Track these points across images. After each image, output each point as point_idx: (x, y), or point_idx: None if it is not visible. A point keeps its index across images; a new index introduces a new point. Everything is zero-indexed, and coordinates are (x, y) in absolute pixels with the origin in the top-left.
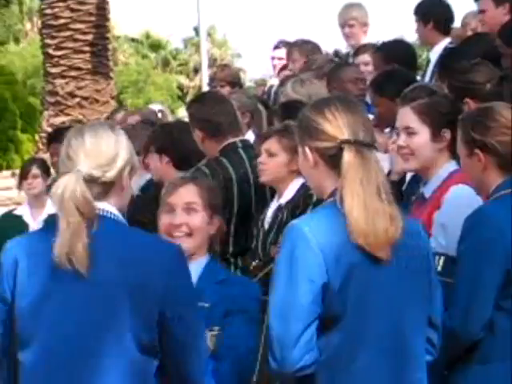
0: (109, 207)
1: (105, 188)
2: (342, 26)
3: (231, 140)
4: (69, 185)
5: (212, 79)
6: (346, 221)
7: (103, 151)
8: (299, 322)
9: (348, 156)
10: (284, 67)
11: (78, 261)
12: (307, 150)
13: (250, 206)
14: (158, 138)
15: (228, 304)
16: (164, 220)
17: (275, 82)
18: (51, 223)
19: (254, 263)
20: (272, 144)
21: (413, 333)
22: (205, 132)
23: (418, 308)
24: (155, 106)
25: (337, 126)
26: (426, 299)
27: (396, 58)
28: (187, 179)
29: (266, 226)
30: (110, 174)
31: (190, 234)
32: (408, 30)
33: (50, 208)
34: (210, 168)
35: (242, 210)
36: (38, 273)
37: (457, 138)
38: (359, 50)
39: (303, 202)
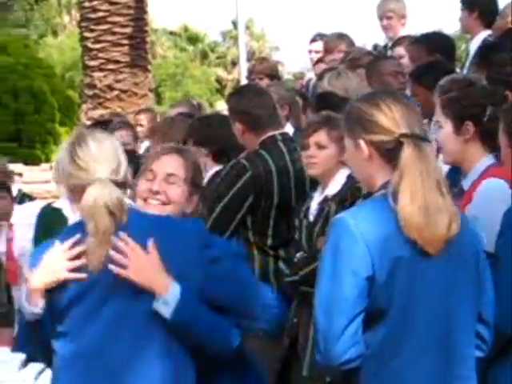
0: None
1: (121, 188)
2: (381, 18)
3: (271, 133)
4: (103, 193)
5: (250, 72)
6: (399, 215)
7: (111, 156)
8: (343, 315)
9: (407, 150)
10: (319, 60)
11: (93, 263)
12: (362, 142)
13: (290, 198)
14: (196, 130)
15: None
16: (142, 186)
17: (313, 75)
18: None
19: (298, 255)
20: (321, 136)
21: (461, 328)
22: (245, 125)
23: (467, 304)
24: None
25: (393, 119)
26: (475, 295)
27: (437, 49)
28: (173, 149)
29: (311, 217)
30: (121, 176)
31: (165, 204)
32: (445, 23)
33: None
34: (249, 160)
35: (281, 203)
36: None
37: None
38: (395, 43)
39: (351, 194)
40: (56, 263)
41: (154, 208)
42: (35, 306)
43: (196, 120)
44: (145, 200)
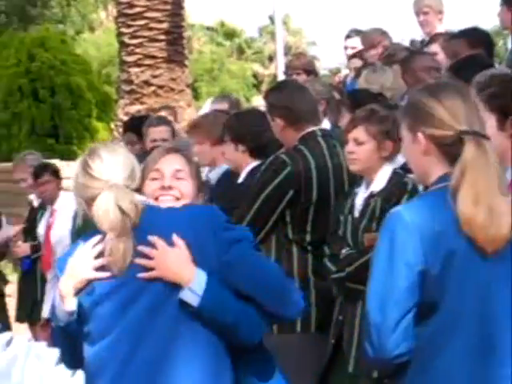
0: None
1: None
2: (417, 13)
3: (311, 129)
4: (116, 196)
5: (288, 67)
6: (460, 214)
7: (124, 165)
8: (397, 308)
9: (469, 148)
10: (353, 55)
11: (116, 264)
12: (420, 135)
13: (329, 194)
14: (232, 127)
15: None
16: (151, 186)
17: (348, 70)
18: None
19: (344, 251)
20: (359, 132)
21: (507, 328)
22: (285, 120)
23: None
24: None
25: (454, 115)
26: None
27: (476, 44)
28: (172, 149)
29: (356, 213)
30: (135, 183)
31: (178, 199)
32: (482, 19)
33: None
34: (289, 156)
35: (320, 199)
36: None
37: None
38: (430, 40)
39: (398, 190)
40: (81, 264)
41: (168, 204)
42: (69, 309)
43: (232, 116)
44: (156, 199)
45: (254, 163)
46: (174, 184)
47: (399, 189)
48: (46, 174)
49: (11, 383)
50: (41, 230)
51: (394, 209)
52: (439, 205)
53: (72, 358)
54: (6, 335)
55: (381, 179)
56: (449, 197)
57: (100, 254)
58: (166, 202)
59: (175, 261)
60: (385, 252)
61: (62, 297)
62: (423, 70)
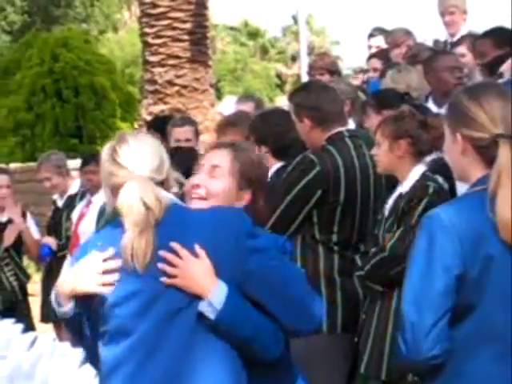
0: (170, 195)
1: (162, 187)
2: (443, 13)
3: (338, 129)
4: (140, 189)
5: (311, 68)
6: (497, 216)
7: (152, 155)
8: (434, 310)
9: (504, 152)
10: (373, 55)
11: (137, 259)
12: (459, 136)
13: (356, 195)
14: (255, 128)
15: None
16: (189, 182)
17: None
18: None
19: (372, 249)
20: (377, 134)
21: None
22: (313, 120)
23: None
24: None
25: (492, 118)
26: None
27: (504, 43)
28: (224, 144)
29: (386, 213)
30: (162, 176)
31: (205, 199)
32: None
33: None
34: (317, 156)
35: (347, 199)
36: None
37: None
38: (456, 43)
39: (420, 192)
40: (86, 274)
41: (194, 203)
42: (64, 306)
43: (257, 117)
44: (188, 195)
45: (278, 164)
46: (204, 182)
47: (421, 191)
48: (92, 163)
49: (35, 383)
50: (74, 216)
51: (432, 210)
52: (478, 207)
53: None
54: (30, 335)
55: (410, 181)
56: (488, 203)
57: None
58: (193, 201)
59: (198, 272)
60: (423, 253)
61: (58, 292)
62: (446, 70)
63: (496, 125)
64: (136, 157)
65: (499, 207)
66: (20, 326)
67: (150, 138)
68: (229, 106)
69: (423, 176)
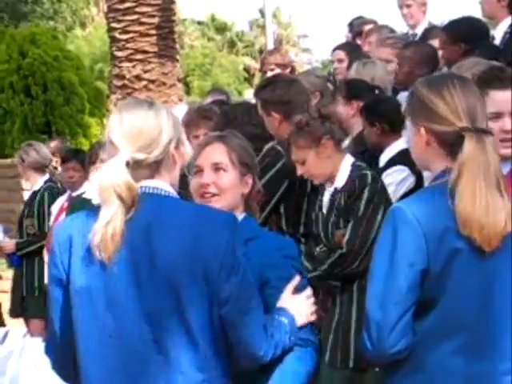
0: (161, 184)
1: (154, 168)
2: (401, 6)
3: None
4: (110, 172)
5: (262, 64)
6: (458, 213)
7: (143, 132)
8: (399, 306)
9: (469, 145)
10: (338, 47)
11: (103, 249)
12: (422, 130)
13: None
14: (221, 123)
15: (258, 261)
16: (194, 183)
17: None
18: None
19: (318, 249)
20: (298, 154)
21: (506, 323)
22: (282, 114)
23: None
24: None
25: (455, 111)
26: None
27: (461, 37)
28: (214, 137)
29: (324, 210)
30: (155, 154)
31: (219, 195)
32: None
33: None
34: (283, 147)
35: (314, 191)
36: (89, 254)
37: None
38: (426, 35)
39: (359, 183)
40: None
41: (209, 201)
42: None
43: (220, 113)
44: (201, 196)
45: None
46: (212, 179)
47: (360, 182)
48: (73, 160)
49: (6, 378)
50: (54, 210)
51: (395, 204)
52: (441, 201)
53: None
54: (1, 330)
55: (342, 174)
56: (448, 196)
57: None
58: (208, 199)
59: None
60: (387, 249)
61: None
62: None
63: (459, 118)
64: (123, 134)
65: (461, 204)
66: None
67: (146, 109)
68: (180, 113)
69: (355, 167)
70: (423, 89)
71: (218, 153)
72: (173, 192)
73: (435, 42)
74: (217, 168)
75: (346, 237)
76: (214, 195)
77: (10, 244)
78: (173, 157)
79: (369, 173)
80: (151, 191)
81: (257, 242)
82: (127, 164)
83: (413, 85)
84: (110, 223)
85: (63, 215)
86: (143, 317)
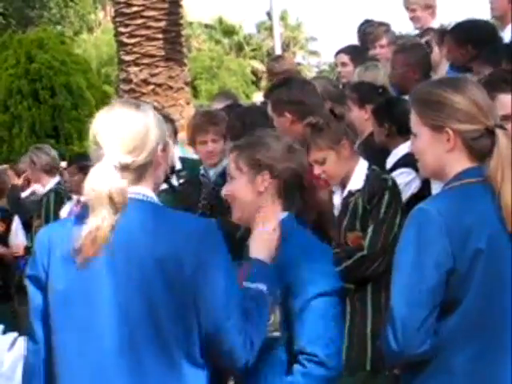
0: (144, 190)
1: (139, 172)
2: (407, 10)
3: None
4: (104, 178)
5: (270, 72)
6: (504, 206)
7: (131, 136)
8: (425, 306)
9: (503, 141)
10: (341, 50)
11: (84, 251)
12: (450, 132)
13: None
14: (231, 127)
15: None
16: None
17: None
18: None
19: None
20: (316, 155)
21: None
22: (295, 115)
23: None
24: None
25: (481, 109)
26: None
27: (464, 41)
28: (234, 146)
29: (336, 212)
30: (143, 157)
31: (234, 203)
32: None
33: None
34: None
35: None
36: (69, 259)
37: None
38: (421, 34)
39: (379, 187)
40: None
41: (231, 210)
42: None
43: (232, 115)
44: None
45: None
46: (227, 189)
47: (380, 187)
48: (73, 165)
49: (15, 383)
50: (63, 215)
51: (419, 204)
52: (465, 201)
53: None
54: (10, 336)
55: (358, 177)
56: (479, 192)
57: None
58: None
59: None
60: (412, 249)
61: None
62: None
63: (486, 116)
64: (110, 138)
65: (505, 198)
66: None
67: (134, 112)
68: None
69: (372, 171)
70: (443, 91)
71: (230, 164)
72: (154, 197)
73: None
74: (230, 177)
75: (367, 239)
76: (231, 203)
77: (19, 245)
78: (158, 159)
79: (388, 177)
80: (135, 197)
81: (286, 244)
82: (115, 168)
83: (419, 90)
84: (99, 228)
85: None
86: (120, 321)
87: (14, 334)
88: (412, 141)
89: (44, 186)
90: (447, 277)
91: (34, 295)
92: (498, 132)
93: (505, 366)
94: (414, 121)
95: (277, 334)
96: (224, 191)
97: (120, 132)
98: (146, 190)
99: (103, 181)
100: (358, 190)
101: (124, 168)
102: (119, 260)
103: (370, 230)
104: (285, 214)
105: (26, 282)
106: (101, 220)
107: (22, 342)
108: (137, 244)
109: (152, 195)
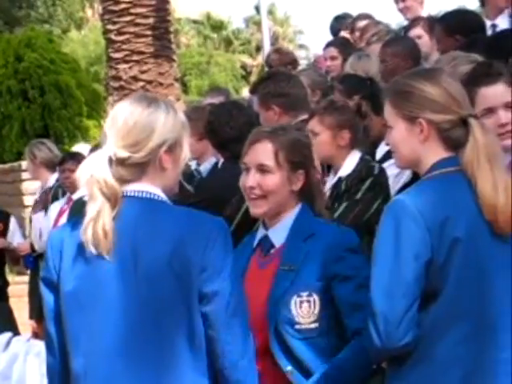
0: (147, 187)
1: (138, 169)
2: (396, 1)
3: (304, 116)
4: (92, 166)
5: (268, 64)
6: (481, 195)
7: (130, 131)
8: (405, 299)
9: (478, 130)
10: (330, 43)
11: (99, 245)
12: (423, 122)
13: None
14: (205, 125)
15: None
16: (242, 180)
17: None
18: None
19: None
20: (314, 124)
21: (506, 312)
22: (282, 107)
23: None
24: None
25: (455, 99)
26: None
27: (454, 30)
28: (264, 134)
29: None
30: (140, 155)
31: (264, 196)
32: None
33: None
34: None
35: None
36: (80, 258)
37: None
38: (410, 25)
39: (365, 172)
40: None
41: (253, 203)
42: None
43: (208, 112)
44: (248, 197)
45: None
46: (257, 180)
47: (366, 171)
48: (70, 161)
49: (13, 382)
50: (53, 213)
51: (396, 196)
52: (441, 191)
53: None
54: (5, 336)
55: (348, 165)
56: (455, 181)
57: None
58: (254, 202)
59: None
60: (390, 242)
61: None
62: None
63: (460, 106)
64: (114, 130)
65: (484, 189)
66: None
67: (145, 107)
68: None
69: (364, 159)
70: (417, 82)
71: (264, 153)
72: (160, 195)
73: (417, 31)
74: (262, 170)
75: (337, 213)
76: (259, 197)
77: (24, 245)
78: (161, 160)
79: (376, 165)
80: (136, 194)
81: (316, 239)
82: (110, 160)
83: (394, 81)
84: (98, 219)
85: (62, 219)
86: (129, 320)
87: (9, 334)
88: (387, 133)
89: (44, 181)
90: (427, 268)
91: (48, 298)
92: (472, 121)
93: (484, 354)
94: (389, 113)
95: (315, 325)
96: (252, 183)
97: (121, 126)
98: (149, 187)
99: (90, 167)
100: (347, 176)
101: (119, 162)
102: (125, 259)
103: (343, 204)
104: (299, 206)
105: (41, 285)
106: (96, 210)
107: (16, 341)
108: (140, 241)
109: (158, 192)
